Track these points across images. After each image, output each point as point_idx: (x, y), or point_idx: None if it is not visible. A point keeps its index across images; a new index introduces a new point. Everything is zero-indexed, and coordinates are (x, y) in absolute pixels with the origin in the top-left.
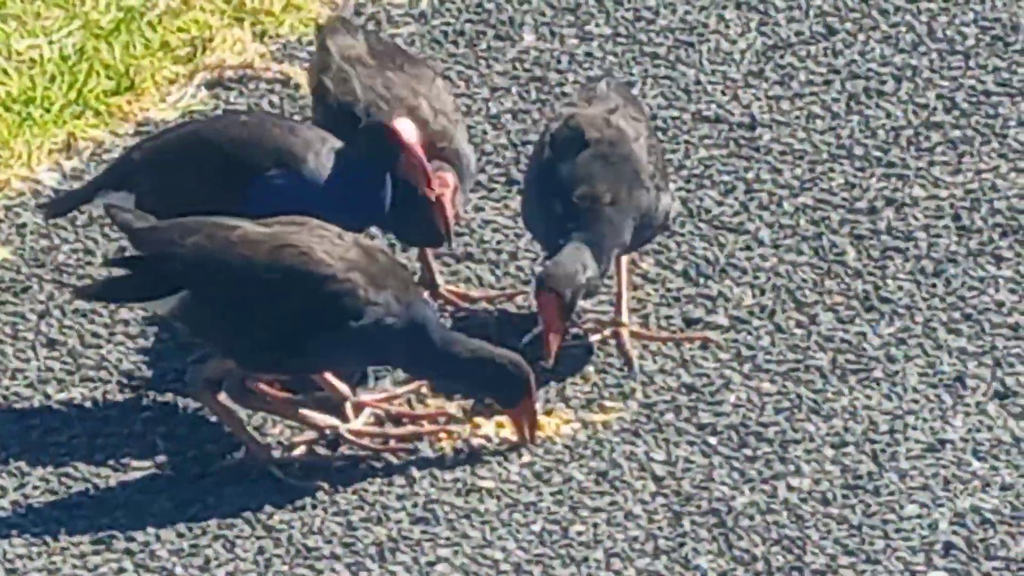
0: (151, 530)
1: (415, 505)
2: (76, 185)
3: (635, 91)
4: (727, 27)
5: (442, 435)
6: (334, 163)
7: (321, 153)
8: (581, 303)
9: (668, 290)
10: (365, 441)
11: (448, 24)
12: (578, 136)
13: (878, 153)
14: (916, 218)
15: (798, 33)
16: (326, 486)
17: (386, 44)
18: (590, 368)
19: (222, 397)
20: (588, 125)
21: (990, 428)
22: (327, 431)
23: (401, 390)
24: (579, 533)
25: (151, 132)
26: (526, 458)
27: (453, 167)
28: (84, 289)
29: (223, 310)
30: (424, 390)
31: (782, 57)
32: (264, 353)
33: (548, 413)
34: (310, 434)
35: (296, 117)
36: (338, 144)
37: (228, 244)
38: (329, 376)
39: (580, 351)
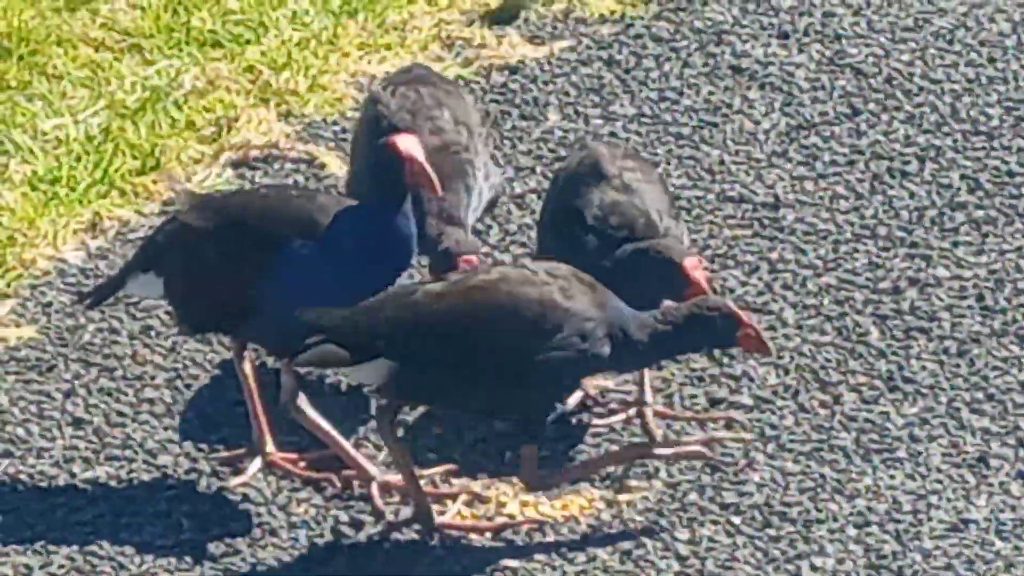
0: None
1: None
2: (102, 265)
3: (659, 170)
4: (751, 107)
5: (466, 511)
6: (352, 222)
7: (340, 217)
8: (605, 382)
9: (692, 370)
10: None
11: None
12: (597, 170)
13: (902, 233)
14: (940, 298)
15: (822, 113)
16: (351, 566)
17: (427, 71)
18: (615, 448)
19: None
20: (609, 162)
21: (1014, 508)
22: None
23: (428, 471)
24: None
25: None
26: (551, 537)
27: (464, 175)
28: (299, 357)
29: (434, 372)
30: (449, 467)
31: (806, 137)
32: (488, 394)
33: (574, 493)
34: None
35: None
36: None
37: (416, 303)
38: (357, 454)
39: (604, 430)
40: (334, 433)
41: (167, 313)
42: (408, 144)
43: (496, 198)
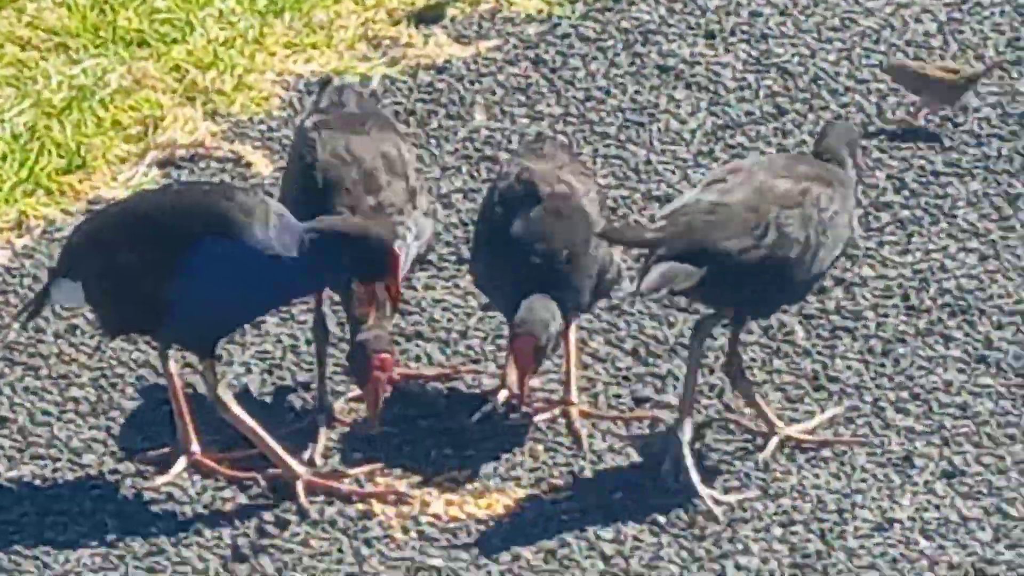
0: None
1: None
2: (27, 263)
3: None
4: (677, 107)
5: (391, 511)
6: (279, 231)
7: (262, 219)
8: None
9: (618, 369)
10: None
11: (399, 103)
12: (531, 192)
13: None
14: (865, 298)
15: (748, 113)
16: (276, 564)
17: (364, 106)
18: (539, 447)
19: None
20: (540, 180)
21: (938, 507)
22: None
23: (354, 470)
24: None
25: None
26: (475, 536)
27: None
28: None
29: None
30: (375, 466)
31: (732, 137)
32: None
33: (498, 491)
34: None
35: None
36: (280, 209)
37: None
38: (282, 453)
39: (529, 430)
40: (260, 431)
41: (92, 312)
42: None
43: (426, 253)
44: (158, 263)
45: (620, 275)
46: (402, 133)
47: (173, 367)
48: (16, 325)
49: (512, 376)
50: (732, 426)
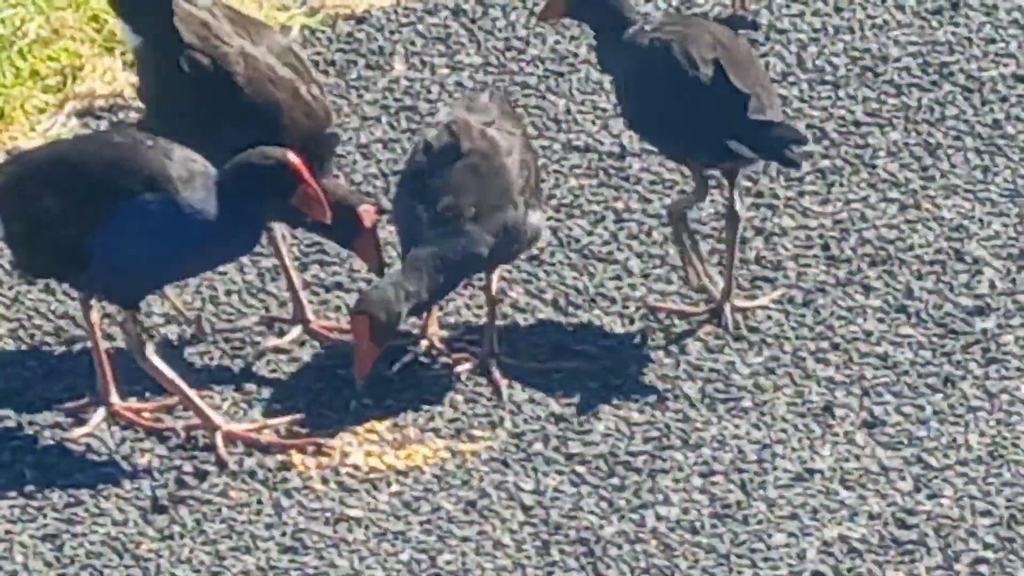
0: (19, 560)
1: (284, 534)
2: None
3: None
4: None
5: (310, 462)
6: (213, 189)
7: (198, 177)
8: (444, 332)
9: (537, 319)
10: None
11: (319, 54)
12: (453, 145)
13: (747, 182)
14: (785, 248)
15: None
16: (195, 516)
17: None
18: (459, 397)
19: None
20: (464, 135)
21: (858, 457)
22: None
23: (273, 421)
24: (447, 563)
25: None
26: (395, 487)
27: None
28: None
29: None
30: (294, 417)
31: None
32: None
33: (417, 442)
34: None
35: None
36: (212, 169)
37: None
38: (201, 404)
39: (449, 380)
40: (179, 382)
41: (9, 263)
42: (301, 164)
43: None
44: (83, 213)
45: (537, 237)
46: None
47: (94, 316)
48: None
49: (433, 336)
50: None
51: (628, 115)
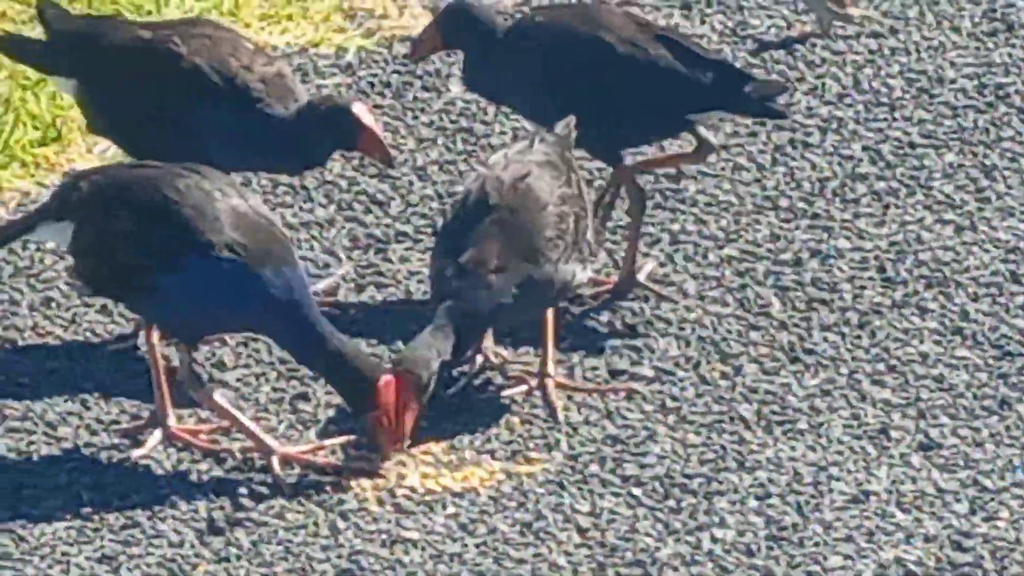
0: None
1: (339, 556)
2: None
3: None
4: None
5: (367, 483)
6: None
7: (273, 245)
8: (505, 353)
9: (594, 341)
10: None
11: (375, 75)
12: (482, 200)
13: (803, 205)
14: (841, 270)
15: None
16: (251, 537)
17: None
18: (515, 419)
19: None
20: (493, 190)
21: (914, 480)
22: (260, 452)
23: (328, 442)
24: None
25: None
26: (451, 509)
27: None
28: None
29: None
30: (350, 439)
31: None
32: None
33: (474, 464)
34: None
35: None
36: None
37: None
38: (257, 430)
39: (505, 402)
40: (234, 411)
41: (67, 284)
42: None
43: None
44: (157, 253)
45: (570, 291)
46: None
47: (154, 338)
48: None
49: (488, 350)
50: (703, 399)
51: (546, 110)
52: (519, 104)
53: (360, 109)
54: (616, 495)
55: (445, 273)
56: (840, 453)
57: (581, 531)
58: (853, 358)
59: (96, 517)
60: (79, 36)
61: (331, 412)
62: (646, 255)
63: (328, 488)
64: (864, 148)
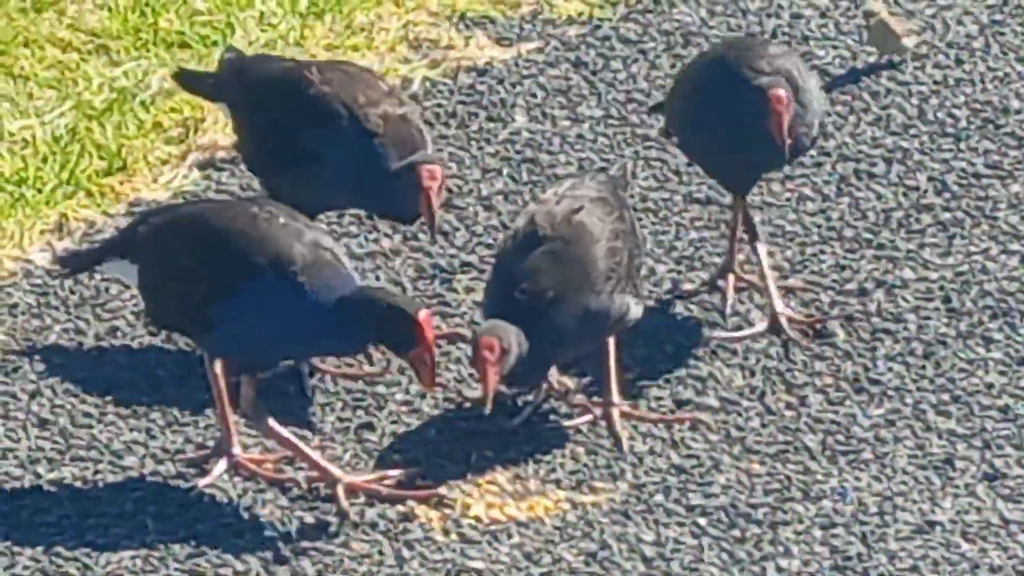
0: None
1: None
2: (55, 274)
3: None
4: None
5: (432, 513)
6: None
7: (325, 267)
8: (569, 383)
9: (658, 371)
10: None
11: (440, 106)
12: (533, 232)
13: (868, 235)
14: (906, 300)
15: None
16: (316, 567)
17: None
18: (580, 449)
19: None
20: (546, 223)
21: (979, 510)
22: (325, 482)
23: (393, 472)
24: None
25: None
26: (516, 539)
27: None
28: None
29: None
30: (414, 471)
31: None
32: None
33: (539, 494)
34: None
35: None
36: (341, 256)
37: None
38: (320, 460)
39: (570, 432)
40: (295, 440)
41: (133, 314)
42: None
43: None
44: (214, 283)
45: (623, 323)
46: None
47: (218, 368)
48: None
49: (552, 379)
50: (774, 427)
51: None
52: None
53: (432, 169)
54: (681, 525)
55: (500, 308)
56: (905, 483)
57: (646, 561)
58: (918, 388)
59: (161, 546)
60: (236, 68)
61: (396, 442)
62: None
63: (393, 517)
64: (929, 178)
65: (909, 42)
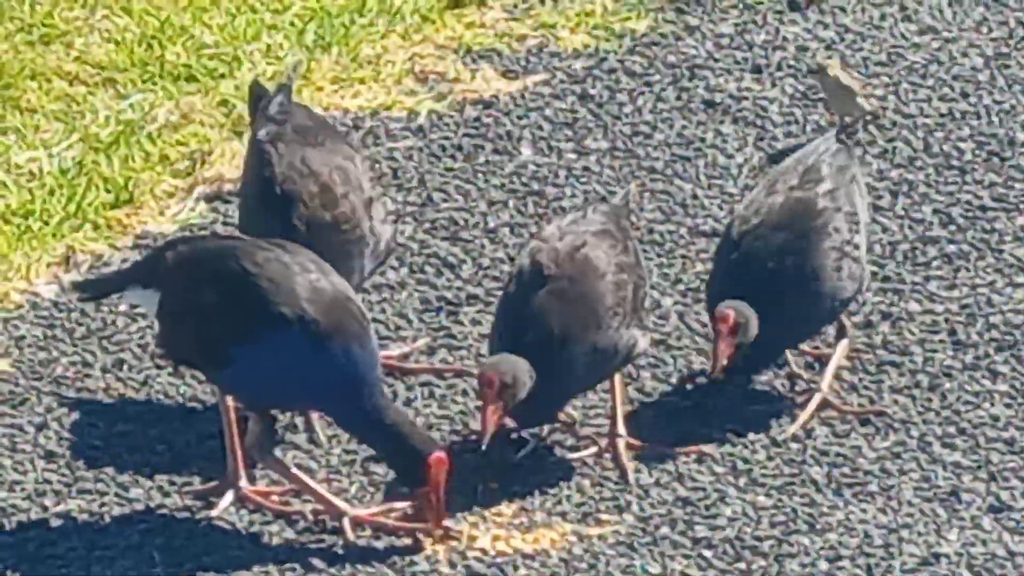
0: None
1: None
2: (75, 298)
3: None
4: (724, 142)
5: (438, 544)
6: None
7: (347, 322)
8: (574, 414)
9: (664, 403)
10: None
11: (446, 138)
12: (538, 271)
13: (874, 267)
14: (912, 332)
15: (795, 148)
16: None
17: (314, 119)
18: (586, 481)
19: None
20: (549, 261)
21: (984, 543)
22: (331, 515)
23: (399, 504)
24: None
25: (151, 244)
26: (522, 571)
27: (350, 256)
28: None
29: None
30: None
31: None
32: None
33: (544, 526)
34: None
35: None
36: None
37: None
38: (326, 494)
39: (576, 464)
40: (301, 475)
41: (139, 347)
42: (442, 469)
43: (388, 254)
44: (234, 324)
45: (631, 356)
46: (354, 145)
47: (229, 401)
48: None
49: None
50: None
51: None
52: None
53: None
54: (687, 557)
55: (508, 348)
56: (911, 515)
57: None
58: (924, 421)
59: None
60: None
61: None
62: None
63: (399, 550)
64: (935, 211)
65: (865, 102)
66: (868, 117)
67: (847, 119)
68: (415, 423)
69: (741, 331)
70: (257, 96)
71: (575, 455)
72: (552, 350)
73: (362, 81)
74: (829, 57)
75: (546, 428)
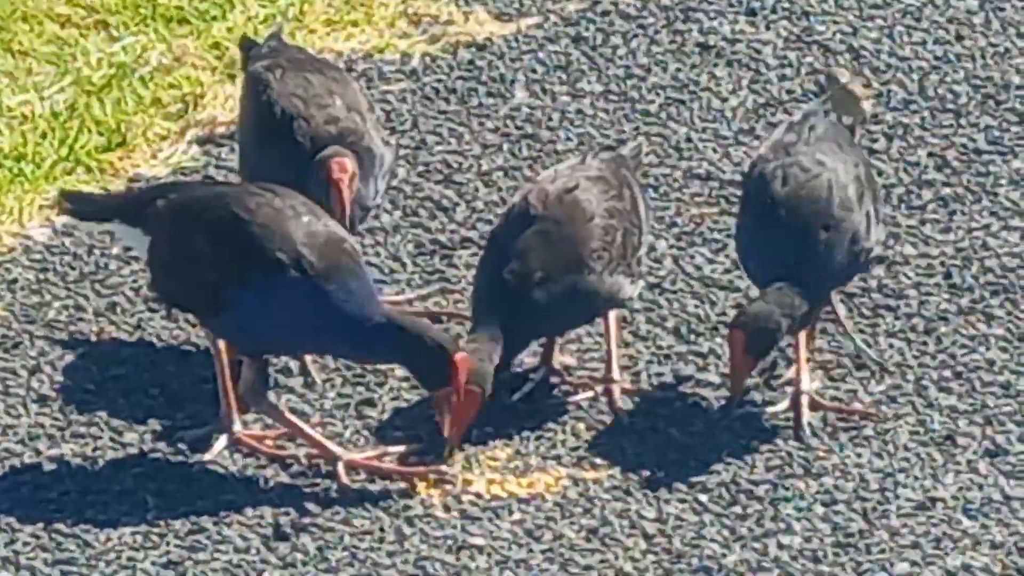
0: None
1: (405, 562)
2: (67, 241)
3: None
4: (718, 85)
5: (433, 490)
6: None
7: (343, 265)
8: (570, 359)
9: (659, 347)
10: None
11: (440, 81)
12: (526, 211)
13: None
14: (907, 276)
15: (789, 91)
16: (317, 543)
17: (306, 55)
18: (581, 425)
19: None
20: (538, 201)
21: (981, 487)
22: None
23: (394, 448)
24: None
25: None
26: (517, 515)
27: (362, 161)
28: None
29: None
30: (414, 447)
31: (773, 115)
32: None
33: (539, 470)
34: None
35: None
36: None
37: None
38: (321, 438)
39: (571, 408)
40: (296, 420)
41: (132, 290)
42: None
43: (393, 176)
44: (228, 270)
45: (616, 299)
46: (348, 77)
47: (222, 344)
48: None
49: (554, 359)
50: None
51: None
52: None
53: (335, 163)
54: (682, 501)
55: (489, 285)
56: (906, 460)
57: (647, 537)
58: (919, 365)
59: (161, 523)
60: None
61: (397, 418)
62: (711, 261)
63: (394, 494)
64: (930, 154)
65: (867, 106)
66: (868, 118)
67: (847, 119)
68: (431, 325)
69: (755, 345)
70: (247, 48)
71: (571, 399)
72: (530, 287)
73: (355, 23)
74: (825, 1)
75: (542, 372)
